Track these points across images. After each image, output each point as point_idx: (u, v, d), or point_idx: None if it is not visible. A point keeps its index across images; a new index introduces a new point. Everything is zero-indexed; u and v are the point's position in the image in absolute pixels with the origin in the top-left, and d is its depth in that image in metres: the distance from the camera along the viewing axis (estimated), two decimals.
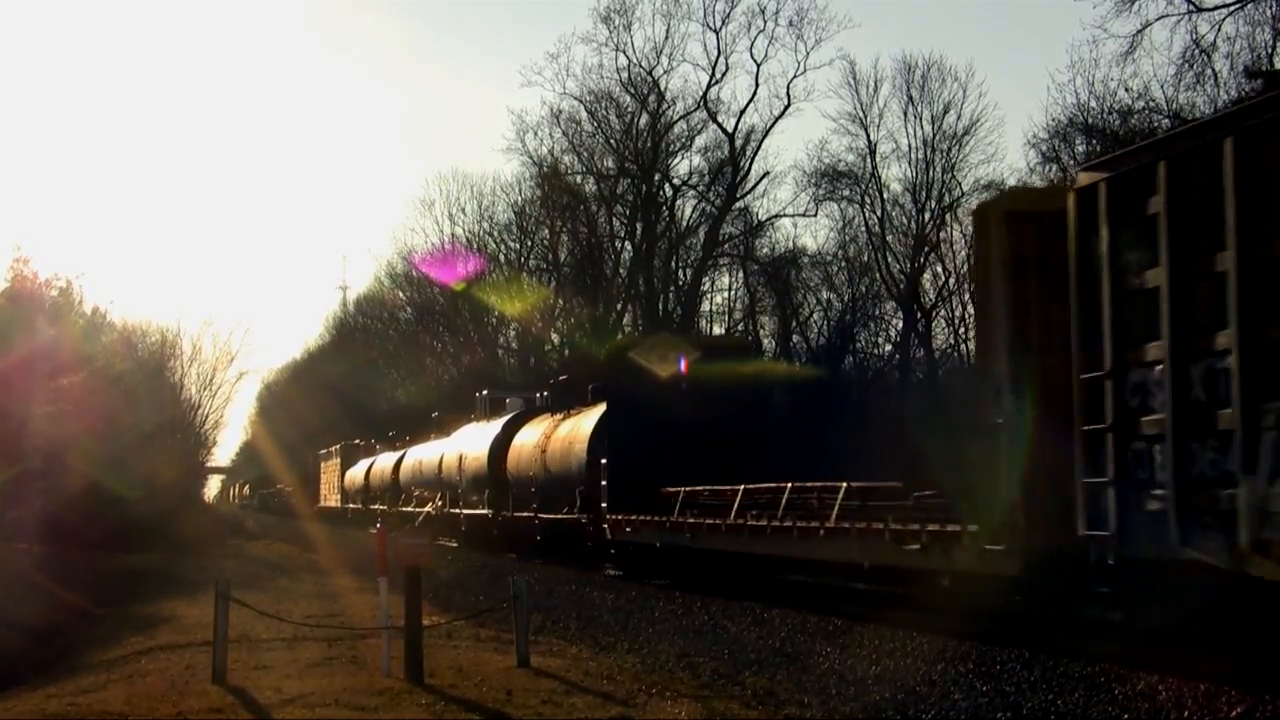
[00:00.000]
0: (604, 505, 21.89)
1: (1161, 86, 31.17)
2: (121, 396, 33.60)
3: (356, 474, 52.97)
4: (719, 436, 20.83)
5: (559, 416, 27.38)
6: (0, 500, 24.78)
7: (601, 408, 23.73)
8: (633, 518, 20.46)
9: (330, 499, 60.75)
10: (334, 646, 12.27)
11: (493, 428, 31.85)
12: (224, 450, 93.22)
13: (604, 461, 22.16)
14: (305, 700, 9.33)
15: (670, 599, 17.15)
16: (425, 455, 39.31)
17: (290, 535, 44.23)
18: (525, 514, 28.00)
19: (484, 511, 31.33)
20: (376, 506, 46.10)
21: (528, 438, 28.66)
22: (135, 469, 31.69)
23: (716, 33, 47.86)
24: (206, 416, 54.01)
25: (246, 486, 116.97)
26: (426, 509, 38.07)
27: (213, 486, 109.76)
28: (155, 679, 10.86)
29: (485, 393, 36.89)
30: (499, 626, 13.68)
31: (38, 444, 25.74)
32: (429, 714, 8.90)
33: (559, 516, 25.47)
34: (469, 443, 33.61)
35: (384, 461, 46.98)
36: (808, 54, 47.44)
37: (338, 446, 58.97)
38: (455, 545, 33.72)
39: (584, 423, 24.62)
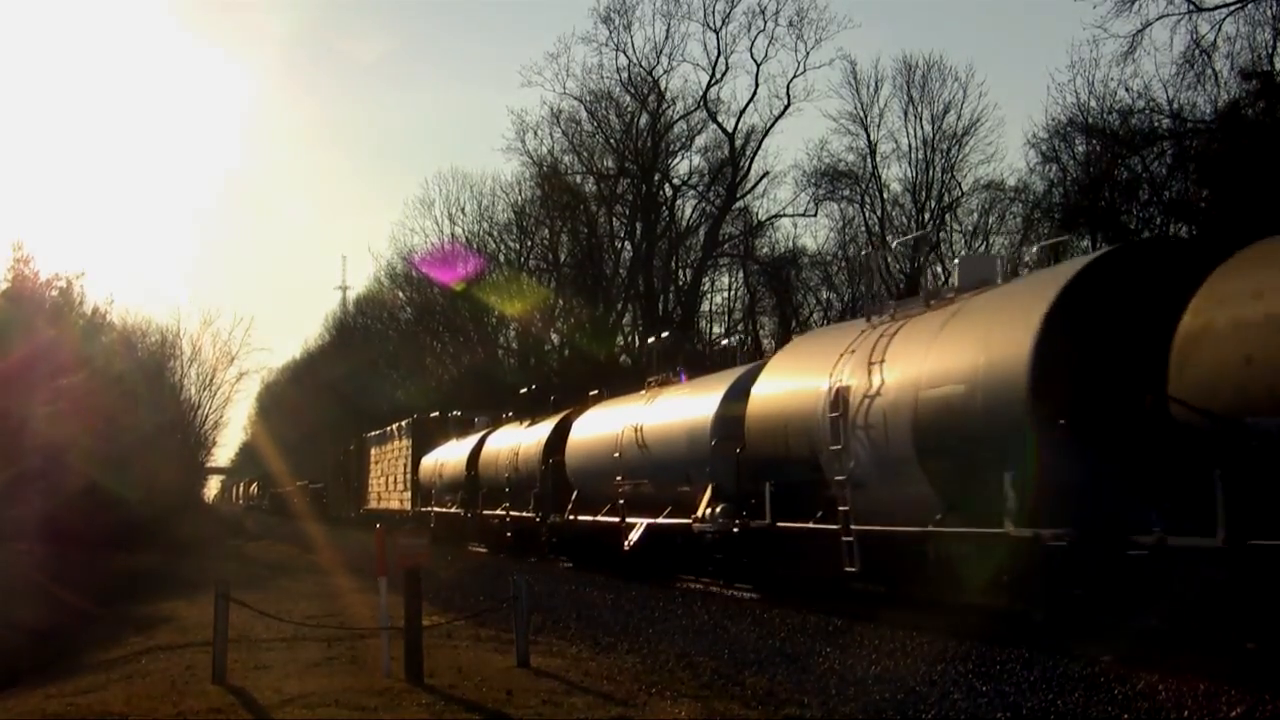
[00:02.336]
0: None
1: (1164, 86, 31.22)
2: (121, 397, 33.58)
3: (449, 459, 36.23)
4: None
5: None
6: (0, 500, 24.74)
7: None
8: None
9: (389, 498, 46.04)
10: (334, 646, 12.27)
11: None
12: (224, 451, 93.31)
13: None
14: (305, 700, 9.33)
15: (670, 599, 17.15)
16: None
17: (290, 536, 44.25)
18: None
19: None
20: (517, 513, 28.65)
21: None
22: (135, 469, 31.65)
23: (716, 33, 47.94)
24: (206, 417, 54.07)
25: (254, 485, 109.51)
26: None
27: (213, 487, 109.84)
28: (155, 679, 10.86)
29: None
30: (499, 626, 13.67)
31: (37, 444, 25.71)
32: (429, 714, 8.89)
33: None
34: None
35: (503, 441, 31.00)
36: (808, 54, 47.56)
37: (404, 424, 44.14)
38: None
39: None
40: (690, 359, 27.28)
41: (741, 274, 51.65)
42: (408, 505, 42.02)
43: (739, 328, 50.65)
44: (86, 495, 26.86)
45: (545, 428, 27.58)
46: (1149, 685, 9.18)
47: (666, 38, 49.69)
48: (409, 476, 42.12)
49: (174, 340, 50.21)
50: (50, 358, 27.58)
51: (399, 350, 65.35)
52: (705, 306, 52.76)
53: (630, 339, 52.04)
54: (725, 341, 44.87)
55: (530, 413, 30.74)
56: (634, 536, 20.93)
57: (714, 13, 48.29)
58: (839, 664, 11.02)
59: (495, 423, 34.71)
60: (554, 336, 54.51)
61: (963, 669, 10.32)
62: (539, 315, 52.40)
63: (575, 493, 24.42)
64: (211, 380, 51.97)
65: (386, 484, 47.34)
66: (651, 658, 11.83)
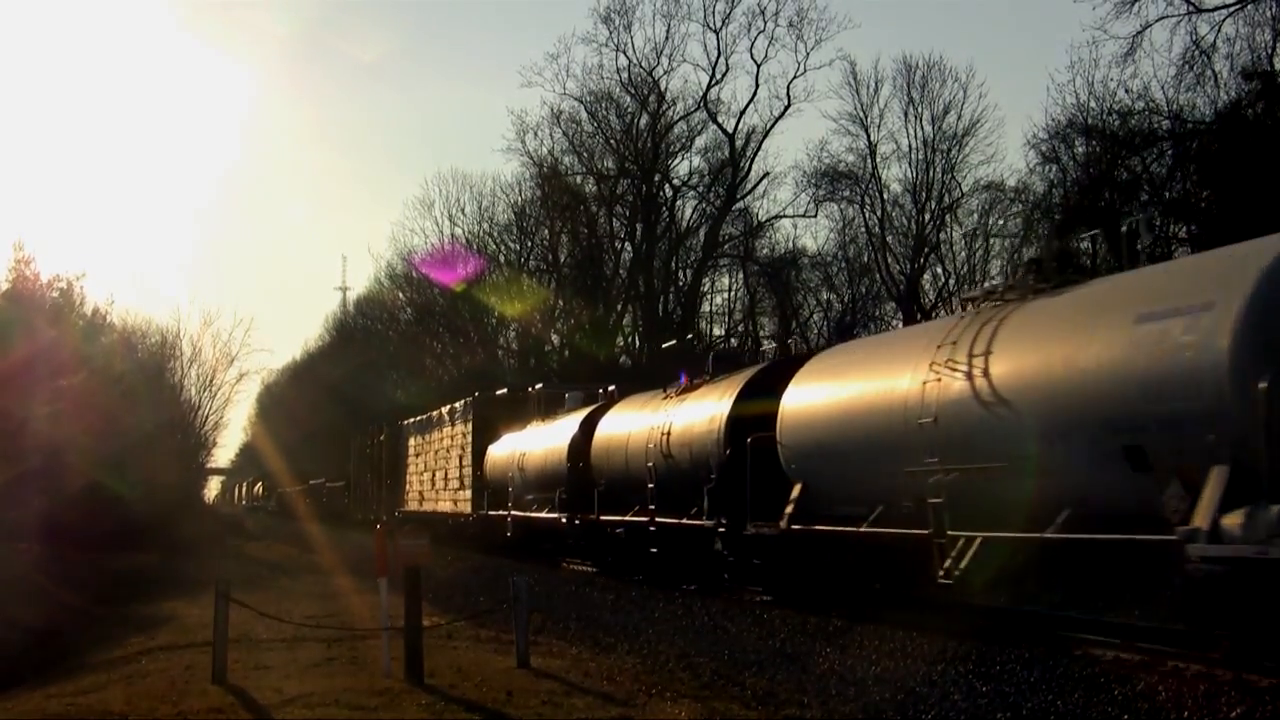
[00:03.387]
0: None
1: (1162, 87, 31.21)
2: (121, 397, 33.59)
3: (538, 448, 26.70)
4: None
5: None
6: (0, 500, 24.75)
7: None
8: None
9: (438, 498, 36.83)
10: (334, 647, 12.27)
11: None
12: (224, 451, 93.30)
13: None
14: (305, 700, 9.33)
15: (670, 599, 17.14)
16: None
17: (290, 536, 44.23)
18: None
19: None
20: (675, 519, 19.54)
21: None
22: (135, 469, 31.67)
23: (716, 33, 47.97)
24: (206, 417, 54.10)
25: (259, 485, 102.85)
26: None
27: (213, 487, 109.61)
28: (155, 679, 10.86)
29: None
30: (499, 627, 13.68)
31: (38, 444, 25.72)
32: (429, 714, 8.89)
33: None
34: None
35: (636, 424, 21.55)
36: (808, 54, 47.68)
37: (461, 405, 34.77)
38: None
39: None
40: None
41: (741, 275, 51.71)
42: (466, 507, 32.37)
43: (739, 329, 50.66)
44: (86, 495, 26.88)
45: (723, 402, 18.01)
46: (1149, 685, 9.18)
47: (666, 38, 49.84)
48: (468, 471, 32.53)
49: (174, 341, 50.30)
50: (50, 358, 27.59)
51: (399, 351, 65.35)
52: (705, 307, 52.84)
53: (630, 340, 51.73)
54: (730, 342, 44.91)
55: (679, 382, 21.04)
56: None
57: (714, 13, 48.39)
58: (839, 664, 11.02)
59: (595, 399, 26.21)
60: (554, 337, 54.55)
61: (963, 669, 10.32)
62: (539, 316, 52.42)
63: (799, 488, 15.42)
64: (211, 381, 52.06)
65: (433, 481, 37.88)
66: (651, 658, 11.83)
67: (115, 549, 27.85)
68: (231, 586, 11.37)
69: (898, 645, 11.73)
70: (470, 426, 33.02)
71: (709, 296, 52.87)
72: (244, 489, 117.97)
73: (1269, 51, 28.99)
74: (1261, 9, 28.42)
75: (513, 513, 27.87)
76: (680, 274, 52.16)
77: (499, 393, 34.14)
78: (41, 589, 20.09)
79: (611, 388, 26.59)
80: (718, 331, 51.09)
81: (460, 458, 34.00)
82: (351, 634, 12.85)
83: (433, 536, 30.71)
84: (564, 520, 24.33)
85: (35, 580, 20.80)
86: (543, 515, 25.86)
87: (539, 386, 31.46)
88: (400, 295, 64.32)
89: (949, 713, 8.88)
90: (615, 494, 22.01)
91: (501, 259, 54.71)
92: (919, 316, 44.98)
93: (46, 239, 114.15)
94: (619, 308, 52.45)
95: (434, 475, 37.81)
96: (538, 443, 26.91)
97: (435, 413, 38.39)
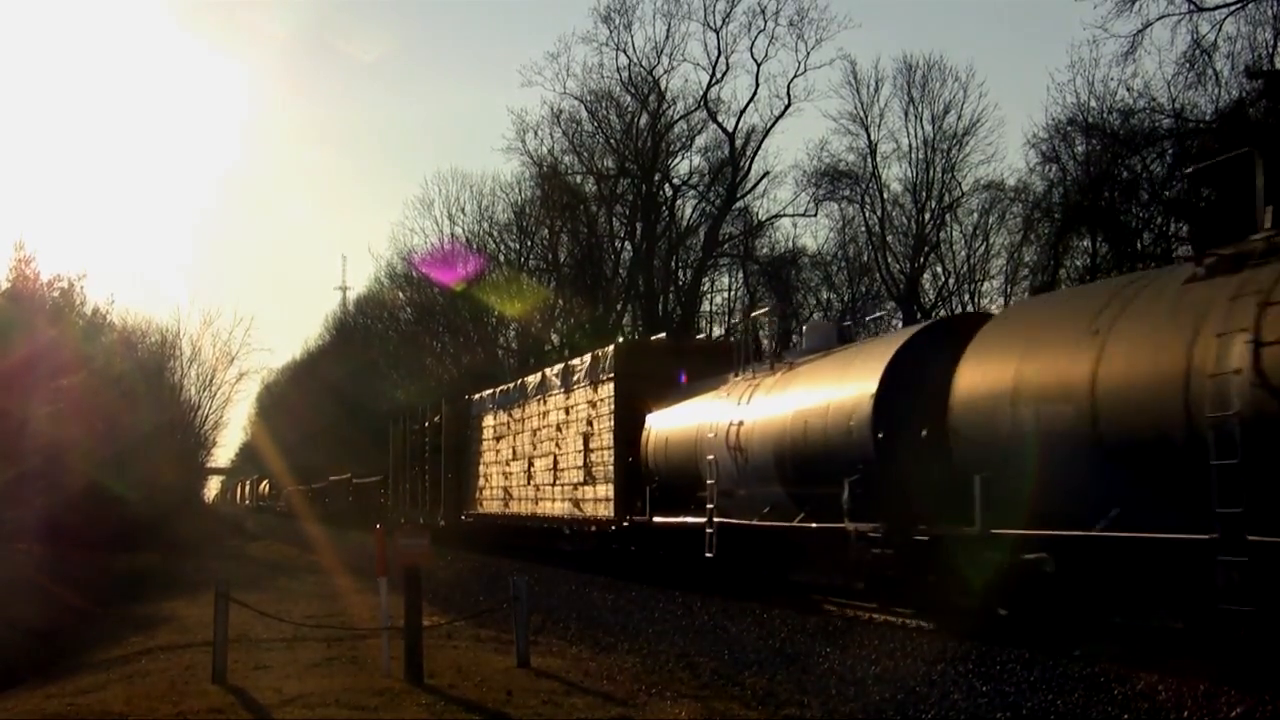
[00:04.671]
0: None
1: (1165, 86, 31.22)
2: (121, 397, 33.61)
3: (772, 413, 16.44)
4: None
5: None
6: (0, 500, 24.77)
7: None
8: None
9: (539, 496, 26.75)
10: (334, 647, 12.27)
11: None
12: (224, 451, 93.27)
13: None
14: (305, 700, 9.33)
15: (670, 599, 17.15)
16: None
17: (290, 536, 44.22)
18: None
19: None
20: None
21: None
22: (135, 469, 31.69)
23: (717, 32, 47.87)
24: (206, 417, 54.15)
25: (265, 484, 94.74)
26: None
27: (213, 487, 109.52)
28: (155, 679, 10.86)
29: None
30: (499, 627, 13.69)
31: (38, 444, 25.73)
32: (429, 714, 8.89)
33: None
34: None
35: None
36: (808, 54, 47.44)
37: (590, 360, 24.18)
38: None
39: None
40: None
41: (741, 274, 51.67)
42: (603, 510, 22.32)
43: (739, 328, 50.59)
44: (87, 495, 26.89)
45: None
46: (1149, 685, 9.18)
47: (667, 37, 49.60)
48: (606, 457, 22.43)
49: (174, 340, 50.36)
50: (51, 358, 27.60)
51: (399, 350, 65.33)
52: (705, 307, 52.77)
53: (630, 339, 51.42)
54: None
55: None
56: None
57: (714, 12, 48.25)
58: (839, 664, 11.02)
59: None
60: (554, 337, 54.49)
61: (963, 669, 10.32)
62: (539, 315, 52.39)
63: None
64: (211, 380, 52.14)
65: (529, 474, 27.33)
66: (651, 658, 11.83)
67: (115, 549, 27.87)
68: (231, 586, 11.37)
69: (898, 645, 11.72)
70: (612, 391, 22.36)
71: (709, 296, 52.87)
72: (247, 488, 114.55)
73: (1270, 50, 28.99)
74: (1262, 8, 28.41)
75: (724, 519, 17.47)
76: (680, 274, 52.16)
77: (656, 338, 27.18)
78: (41, 589, 20.10)
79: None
80: (717, 331, 51.07)
81: (586, 438, 23.58)
82: (351, 634, 12.86)
83: (534, 553, 26.97)
84: (868, 535, 13.72)
85: (35, 580, 20.82)
86: (808, 526, 15.28)
87: (759, 313, 25.45)
88: (400, 295, 64.32)
89: (949, 713, 8.88)
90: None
91: (501, 258, 54.70)
92: (919, 316, 44.94)
93: (47, 239, 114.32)
94: (619, 307, 52.43)
95: (531, 465, 27.32)
96: (779, 406, 16.29)
97: (529, 378, 28.27)
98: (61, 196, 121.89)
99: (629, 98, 49.85)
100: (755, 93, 49.54)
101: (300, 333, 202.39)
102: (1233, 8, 28.12)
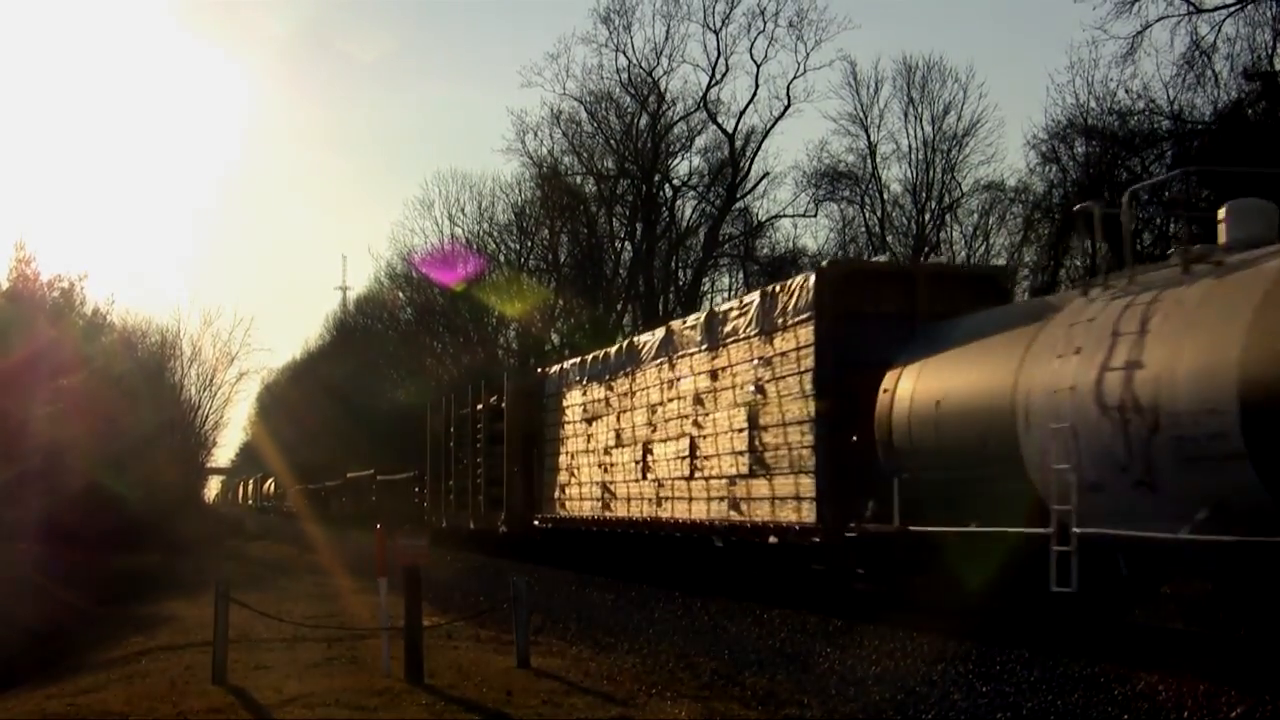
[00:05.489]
0: None
1: (1164, 87, 31.16)
2: (121, 397, 33.61)
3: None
4: None
5: None
6: (0, 500, 24.77)
7: None
8: None
9: (692, 497, 18.82)
10: (334, 647, 12.27)
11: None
12: (224, 451, 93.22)
13: None
14: (305, 700, 9.34)
15: (670, 599, 17.15)
16: None
17: (289, 536, 44.22)
18: None
19: None
20: None
21: None
22: (135, 469, 31.70)
23: (716, 33, 47.87)
24: (206, 417, 54.15)
25: (270, 483, 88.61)
26: None
27: (214, 487, 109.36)
28: (155, 679, 10.86)
29: None
30: (499, 627, 13.69)
31: (38, 444, 25.73)
32: (429, 714, 8.90)
33: None
34: None
35: None
36: (808, 55, 47.40)
37: (752, 301, 17.26)
38: None
39: None
40: None
41: (742, 275, 51.66)
42: (801, 513, 15.38)
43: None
44: (87, 495, 26.88)
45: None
46: (1149, 685, 9.18)
47: (666, 38, 49.60)
48: (806, 437, 15.40)
49: (174, 340, 50.35)
50: (51, 358, 27.60)
51: (399, 350, 65.33)
52: (705, 307, 52.84)
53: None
54: None
55: None
56: None
57: (714, 13, 48.25)
58: (839, 664, 11.03)
59: None
60: (554, 337, 54.50)
61: (963, 669, 10.33)
62: (539, 316, 52.40)
63: None
64: (211, 380, 52.14)
65: (643, 465, 20.81)
66: (651, 658, 11.83)
67: (115, 549, 27.86)
68: (231, 586, 11.37)
69: (898, 645, 11.73)
70: (811, 337, 15.35)
71: (709, 296, 52.87)
72: (250, 488, 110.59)
73: (1269, 51, 28.98)
74: (1262, 9, 28.41)
75: (1093, 530, 10.46)
76: (680, 274, 52.19)
77: (877, 260, 21.25)
78: (41, 589, 20.10)
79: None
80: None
81: (753, 411, 16.69)
82: (351, 634, 12.86)
83: (659, 574, 19.19)
84: None
85: (35, 580, 20.81)
86: None
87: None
88: (400, 295, 64.33)
89: (949, 713, 8.88)
90: None
91: (501, 259, 54.73)
92: None
93: (47, 239, 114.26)
94: (619, 308, 52.44)
95: (647, 453, 20.64)
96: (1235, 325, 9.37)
97: (640, 338, 22.17)
98: (61, 196, 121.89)
99: (629, 99, 49.91)
100: (755, 94, 49.48)
101: (300, 333, 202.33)
102: (1232, 9, 28.15)
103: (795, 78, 47.51)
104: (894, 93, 46.28)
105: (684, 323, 20.05)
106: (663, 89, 49.25)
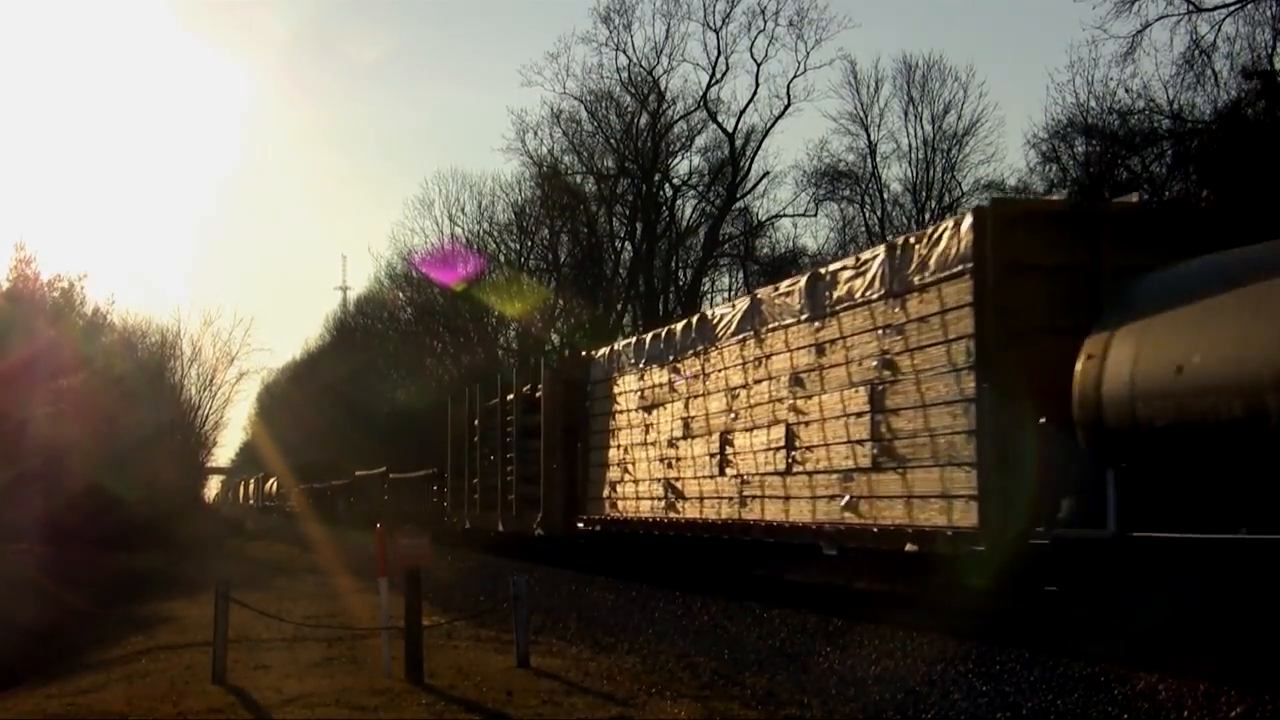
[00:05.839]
0: None
1: (1164, 86, 31.16)
2: (121, 397, 33.64)
3: None
4: None
5: None
6: (0, 501, 24.78)
7: None
8: None
9: (781, 495, 15.97)
10: (334, 647, 12.28)
11: None
12: (224, 451, 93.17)
13: None
14: (305, 700, 9.34)
15: (670, 599, 17.14)
16: None
17: (291, 535, 44.21)
18: None
19: None
20: None
21: None
22: (135, 470, 31.71)
23: (716, 33, 47.87)
24: (206, 417, 54.12)
25: (272, 483, 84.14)
26: None
27: (214, 487, 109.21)
28: (155, 679, 10.87)
29: None
30: (499, 627, 13.69)
31: (38, 445, 25.77)
32: (429, 714, 8.90)
33: None
34: None
35: None
36: (808, 54, 47.40)
37: (879, 257, 14.24)
38: None
39: None
40: None
41: (742, 274, 51.67)
42: (954, 514, 12.33)
43: None
44: (87, 495, 26.92)
45: None
46: (1149, 685, 9.18)
47: (666, 38, 49.57)
48: (963, 418, 12.33)
49: (174, 340, 50.31)
50: (51, 358, 27.63)
51: (399, 350, 65.32)
52: (705, 307, 52.84)
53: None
54: None
55: None
56: None
57: (714, 13, 48.24)
58: (839, 664, 11.02)
59: None
60: (554, 337, 54.51)
61: (963, 669, 10.32)
62: (539, 316, 52.39)
63: None
64: (212, 380, 52.08)
65: (720, 458, 18.03)
66: (651, 658, 11.83)
67: (115, 549, 27.87)
68: (231, 586, 11.37)
69: (898, 645, 11.72)
70: (970, 294, 12.52)
71: (709, 296, 52.88)
72: (252, 487, 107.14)
73: (1269, 51, 28.95)
74: (1262, 8, 28.37)
75: None
76: (680, 274, 52.18)
77: (1051, 198, 18.78)
78: (41, 589, 20.10)
79: None
80: None
81: (875, 391, 13.97)
82: (351, 634, 12.86)
83: (746, 585, 15.86)
84: None
85: (35, 580, 20.82)
86: None
87: None
88: (400, 295, 64.31)
89: (949, 713, 8.88)
90: None
91: (501, 259, 54.70)
92: None
93: (48, 239, 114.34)
94: (619, 308, 52.44)
95: (726, 444, 17.84)
96: None
97: (717, 310, 19.35)
98: (61, 196, 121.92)
99: (629, 98, 49.91)
100: (755, 93, 49.47)
101: (300, 333, 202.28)
102: (1232, 8, 28.11)
103: (795, 77, 47.54)
104: (894, 92, 46.33)
105: (776, 289, 16.77)
106: (663, 88, 49.29)
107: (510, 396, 28.25)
